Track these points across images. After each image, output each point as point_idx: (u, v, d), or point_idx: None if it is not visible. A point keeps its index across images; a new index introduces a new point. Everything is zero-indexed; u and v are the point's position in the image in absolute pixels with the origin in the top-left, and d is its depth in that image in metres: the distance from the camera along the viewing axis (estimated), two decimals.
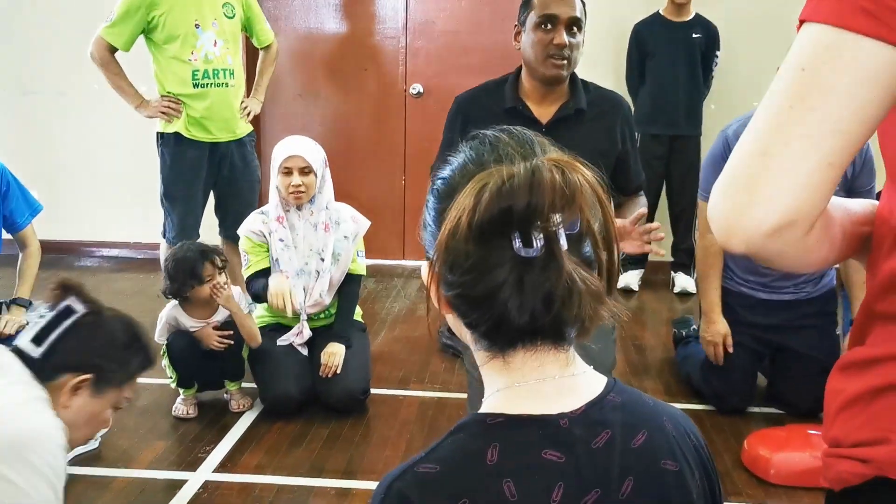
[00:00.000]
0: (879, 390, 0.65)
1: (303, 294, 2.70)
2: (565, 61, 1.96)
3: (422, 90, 4.35)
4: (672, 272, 4.09)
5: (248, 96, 3.24)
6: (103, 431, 2.40)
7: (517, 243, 0.68)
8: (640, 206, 2.08)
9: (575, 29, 1.97)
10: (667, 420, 0.76)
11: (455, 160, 0.77)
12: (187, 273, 2.50)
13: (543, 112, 2.06)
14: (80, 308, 1.37)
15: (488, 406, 0.75)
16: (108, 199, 4.46)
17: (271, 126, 4.48)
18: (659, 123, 3.82)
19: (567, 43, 1.95)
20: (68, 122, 4.37)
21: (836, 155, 0.60)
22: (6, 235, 2.59)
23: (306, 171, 2.58)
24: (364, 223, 2.79)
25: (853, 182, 2.38)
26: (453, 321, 0.75)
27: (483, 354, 0.75)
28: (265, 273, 2.65)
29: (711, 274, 2.52)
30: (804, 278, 2.51)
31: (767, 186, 0.62)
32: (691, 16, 3.80)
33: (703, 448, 0.78)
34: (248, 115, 3.16)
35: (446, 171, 0.77)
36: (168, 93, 2.97)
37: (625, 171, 2.12)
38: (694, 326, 2.92)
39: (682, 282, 3.96)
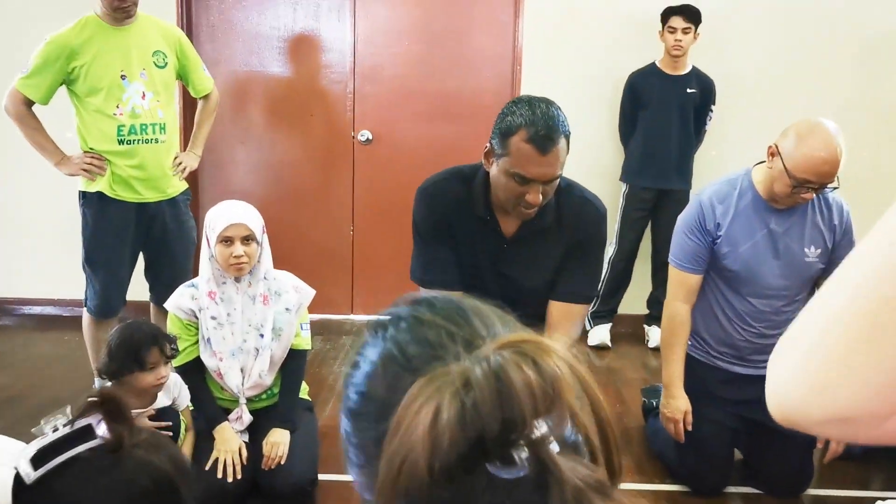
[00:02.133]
0: None
1: (240, 375, 2.44)
2: (536, 208, 1.84)
3: (370, 137, 4.14)
4: (646, 325, 3.95)
5: (184, 149, 2.98)
6: None
7: (496, 468, 0.50)
8: (571, 320, 1.98)
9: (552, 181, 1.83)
10: None
11: (366, 356, 0.57)
12: (130, 356, 2.21)
13: (510, 224, 1.95)
14: (102, 433, 1.01)
15: None
16: (28, 251, 4.12)
17: (210, 174, 4.22)
18: (648, 176, 3.72)
19: (541, 200, 1.82)
20: None
21: None
22: None
23: (248, 239, 2.34)
24: (308, 293, 2.56)
25: (833, 253, 2.26)
26: None
27: None
28: (195, 365, 2.40)
29: (676, 344, 2.36)
30: None
31: (826, 378, 0.49)
32: (687, 69, 3.71)
33: None
34: (183, 171, 2.90)
35: (359, 379, 0.56)
36: (91, 149, 2.70)
37: (567, 277, 1.98)
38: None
39: (658, 336, 3.82)
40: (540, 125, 1.76)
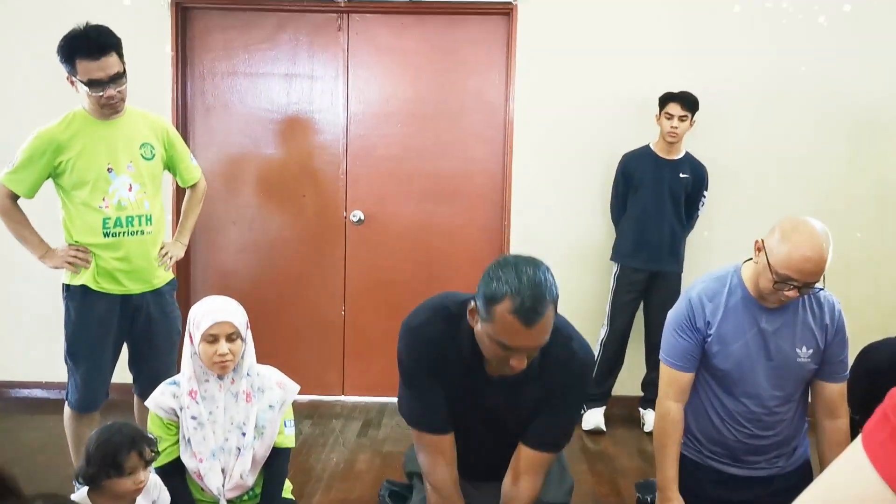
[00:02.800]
0: None
1: (221, 476, 2.37)
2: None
3: (363, 217, 4.15)
4: (641, 409, 3.88)
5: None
6: None
7: None
8: (540, 469, 1.97)
9: None
10: None
11: None
12: (108, 460, 2.14)
13: (494, 369, 1.90)
14: None
15: None
16: (16, 332, 4.08)
17: (203, 255, 4.21)
18: (640, 258, 3.71)
19: (525, 364, 1.78)
20: None
21: None
22: None
23: (233, 337, 2.31)
24: (292, 388, 2.51)
25: (825, 352, 2.21)
26: None
27: None
28: (176, 465, 2.33)
29: (669, 444, 2.29)
30: (775, 452, 2.30)
31: None
32: (681, 154, 3.73)
33: None
34: (170, 260, 2.88)
35: None
36: (76, 241, 2.68)
37: (542, 423, 1.95)
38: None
39: (653, 419, 3.75)
40: (526, 296, 1.67)
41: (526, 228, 4.01)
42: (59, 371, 3.79)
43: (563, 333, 1.90)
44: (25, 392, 4.14)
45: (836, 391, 2.26)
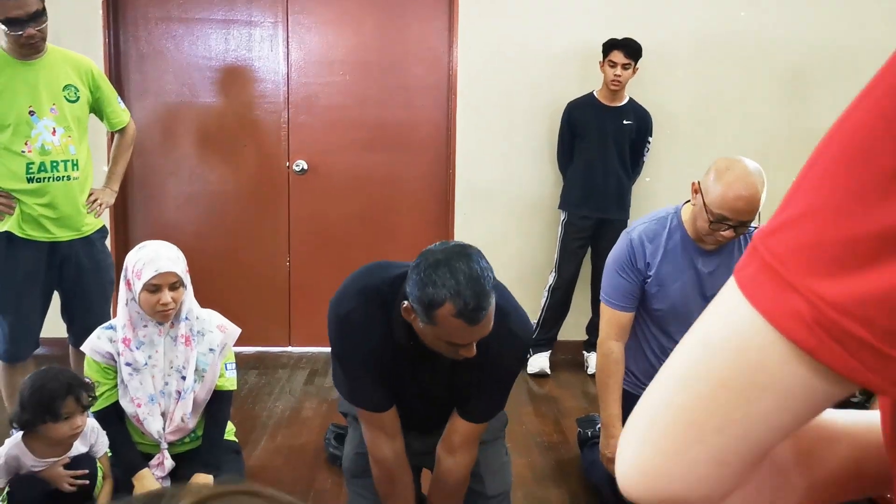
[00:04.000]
0: None
1: (161, 420, 2.34)
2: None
3: (306, 167, 4.08)
4: (585, 352, 3.94)
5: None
6: None
7: None
8: (473, 440, 1.97)
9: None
10: None
11: None
12: (43, 406, 2.10)
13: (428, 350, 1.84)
14: None
15: None
16: None
17: (142, 208, 4.10)
18: (587, 206, 3.72)
19: (475, 350, 1.74)
20: None
21: (745, 453, 0.47)
22: None
23: (176, 285, 2.27)
24: (233, 331, 2.48)
25: None
26: None
27: None
28: (114, 409, 2.31)
29: (611, 383, 2.33)
30: None
31: (660, 462, 0.49)
32: (624, 101, 3.72)
33: None
34: (100, 207, 2.80)
35: None
36: None
37: (477, 396, 1.93)
38: (599, 426, 2.72)
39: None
40: (468, 297, 1.60)
41: (471, 178, 4.00)
42: None
43: (501, 310, 1.78)
44: None
45: None
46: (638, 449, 0.49)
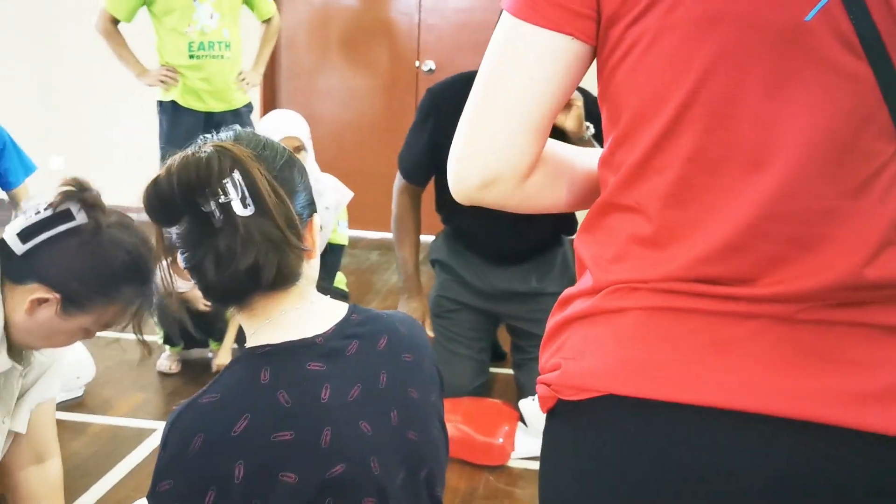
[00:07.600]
0: (564, 324, 0.74)
1: None
2: None
3: (434, 67, 4.38)
4: None
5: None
6: (89, 380, 2.53)
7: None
8: None
9: None
10: (400, 324, 0.97)
11: None
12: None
13: None
14: (79, 217, 1.18)
15: (252, 342, 0.87)
16: (122, 163, 4.62)
17: (285, 99, 4.58)
18: None
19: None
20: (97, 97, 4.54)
21: (524, 123, 0.71)
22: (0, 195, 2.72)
23: (299, 149, 2.63)
24: (346, 193, 2.85)
25: None
26: None
27: (232, 312, 0.89)
28: None
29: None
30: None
31: (471, 148, 0.72)
32: None
33: (426, 342, 0.99)
34: (247, 85, 3.26)
35: None
36: (166, 63, 3.09)
37: None
38: None
39: None
40: None
41: None
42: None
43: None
44: (133, 216, 4.72)
45: None
46: (455, 148, 0.73)
